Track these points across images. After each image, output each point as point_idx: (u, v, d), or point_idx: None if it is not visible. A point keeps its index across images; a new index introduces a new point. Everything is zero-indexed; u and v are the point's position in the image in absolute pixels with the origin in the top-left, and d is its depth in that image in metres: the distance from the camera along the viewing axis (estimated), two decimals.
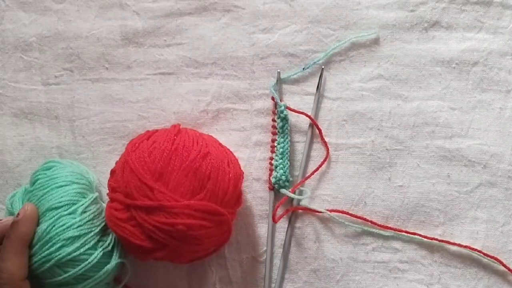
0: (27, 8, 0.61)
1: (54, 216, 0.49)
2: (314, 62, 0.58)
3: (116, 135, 0.59)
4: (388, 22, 0.58)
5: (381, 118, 0.58)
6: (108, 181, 0.52)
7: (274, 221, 0.54)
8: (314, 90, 0.58)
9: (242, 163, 0.56)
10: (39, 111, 0.60)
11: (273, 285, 0.57)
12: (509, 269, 0.55)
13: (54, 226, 0.49)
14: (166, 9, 0.60)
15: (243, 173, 0.54)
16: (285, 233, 0.57)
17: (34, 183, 0.53)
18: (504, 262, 0.55)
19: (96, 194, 0.53)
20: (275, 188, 0.57)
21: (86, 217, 0.50)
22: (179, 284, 0.57)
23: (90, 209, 0.51)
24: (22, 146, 0.59)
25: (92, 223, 0.51)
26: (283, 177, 0.57)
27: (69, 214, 0.50)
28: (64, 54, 0.60)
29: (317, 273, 0.57)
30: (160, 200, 0.47)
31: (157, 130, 0.54)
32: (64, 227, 0.49)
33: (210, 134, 0.56)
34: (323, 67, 0.58)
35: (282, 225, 0.57)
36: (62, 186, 0.52)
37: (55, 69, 0.60)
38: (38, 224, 0.50)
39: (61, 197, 0.51)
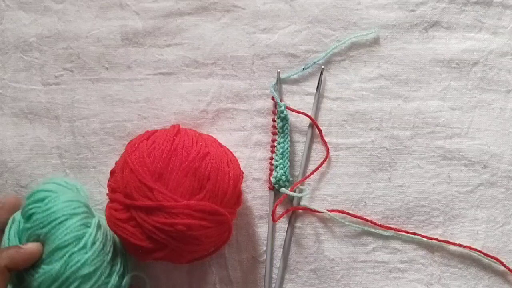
0: (27, 8, 0.61)
1: (65, 255, 0.47)
2: (314, 62, 0.58)
3: (116, 135, 0.59)
4: (388, 22, 0.58)
5: (381, 118, 0.58)
6: (108, 181, 0.52)
7: (274, 220, 0.54)
8: (314, 90, 0.58)
9: (242, 163, 0.56)
10: (39, 111, 0.60)
11: (273, 285, 0.57)
12: (509, 269, 0.55)
13: (67, 265, 0.47)
14: (166, 9, 0.60)
15: (243, 173, 0.54)
16: (285, 233, 0.57)
17: (29, 218, 0.49)
18: (504, 262, 0.55)
19: (97, 217, 0.51)
20: (275, 188, 0.57)
21: (97, 249, 0.49)
22: (179, 284, 0.57)
23: (98, 238, 0.49)
24: (22, 146, 0.59)
25: (103, 252, 0.49)
26: (283, 177, 0.57)
27: (80, 250, 0.48)
28: (64, 54, 0.60)
29: (317, 273, 0.57)
30: (160, 200, 0.47)
31: (156, 130, 0.54)
32: (79, 264, 0.47)
33: (210, 134, 0.56)
34: (323, 67, 0.58)
35: (282, 225, 0.57)
36: (62, 221, 0.48)
37: (55, 69, 0.60)
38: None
39: (66, 234, 0.48)
